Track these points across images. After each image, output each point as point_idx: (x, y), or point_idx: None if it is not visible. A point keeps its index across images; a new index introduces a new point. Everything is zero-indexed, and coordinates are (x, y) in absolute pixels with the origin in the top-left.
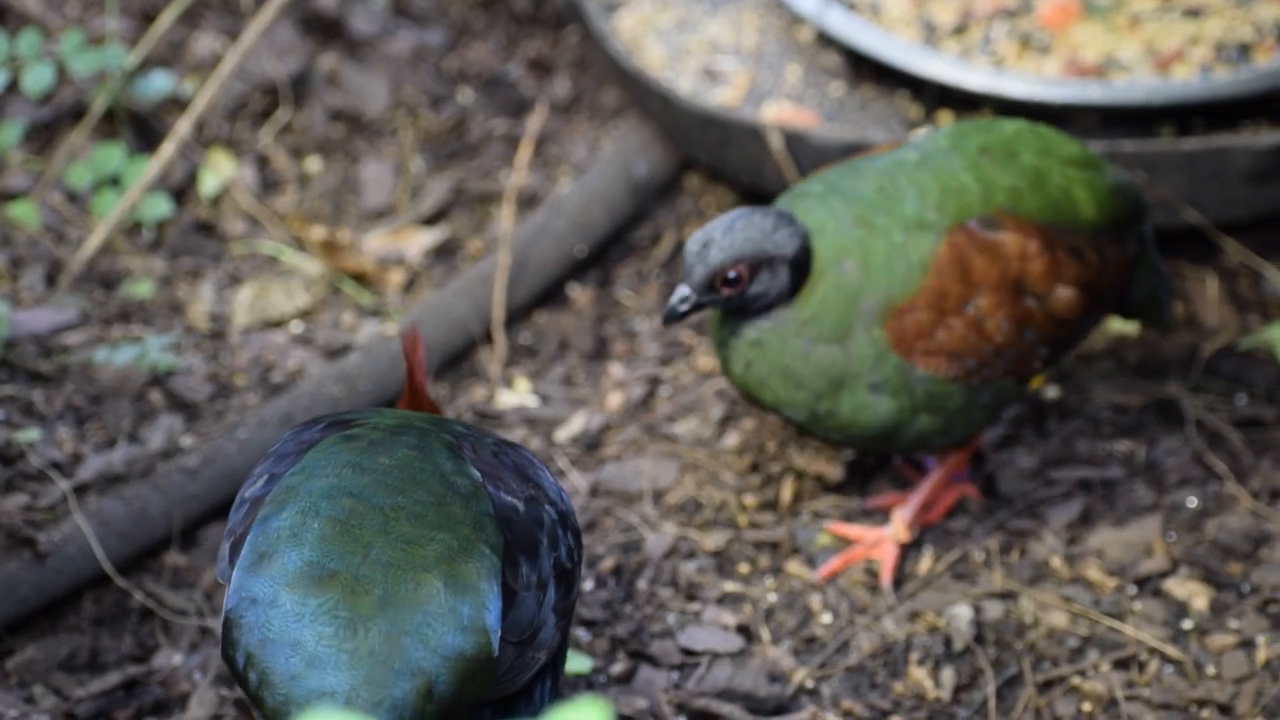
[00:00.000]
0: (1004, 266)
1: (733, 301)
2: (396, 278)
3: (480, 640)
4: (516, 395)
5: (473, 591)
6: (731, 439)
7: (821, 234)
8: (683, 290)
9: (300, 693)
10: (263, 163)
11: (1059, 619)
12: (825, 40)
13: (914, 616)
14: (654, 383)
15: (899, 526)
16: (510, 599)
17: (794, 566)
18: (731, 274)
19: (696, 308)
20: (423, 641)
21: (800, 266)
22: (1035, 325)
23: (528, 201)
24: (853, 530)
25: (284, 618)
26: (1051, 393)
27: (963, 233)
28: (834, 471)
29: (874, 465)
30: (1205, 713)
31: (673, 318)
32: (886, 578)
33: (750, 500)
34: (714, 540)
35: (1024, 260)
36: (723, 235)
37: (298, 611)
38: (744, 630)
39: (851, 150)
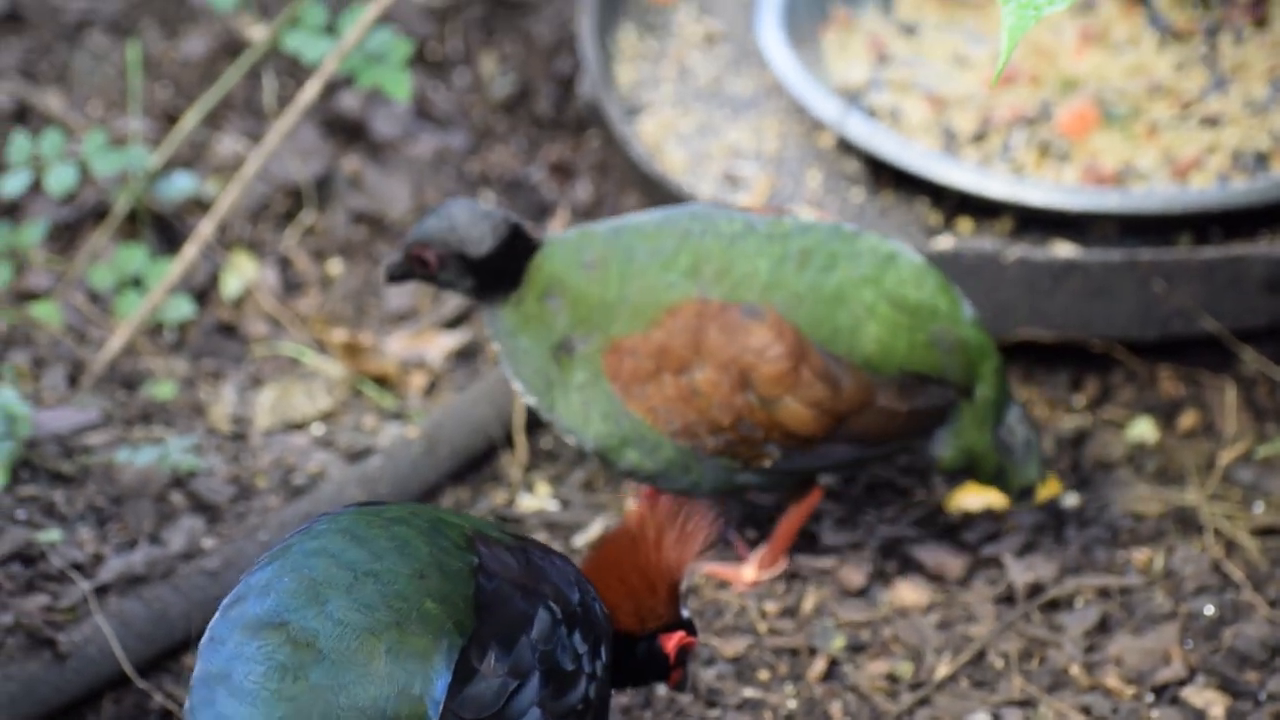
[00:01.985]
0: (736, 352)
1: (430, 280)
2: (418, 381)
3: (413, 707)
4: (537, 499)
5: (417, 659)
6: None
7: (546, 260)
8: (394, 255)
9: (204, 714)
10: (285, 264)
11: None
12: (846, 146)
13: None
14: None
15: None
16: (468, 676)
17: (814, 672)
18: (419, 255)
19: (402, 274)
20: (350, 698)
21: (493, 274)
22: (758, 424)
23: None
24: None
25: (226, 654)
26: (1070, 500)
27: (718, 305)
28: (855, 578)
29: (896, 572)
30: None
31: (386, 278)
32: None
33: (770, 607)
34: (733, 646)
35: (760, 356)
36: (430, 214)
37: (238, 651)
38: None
39: None
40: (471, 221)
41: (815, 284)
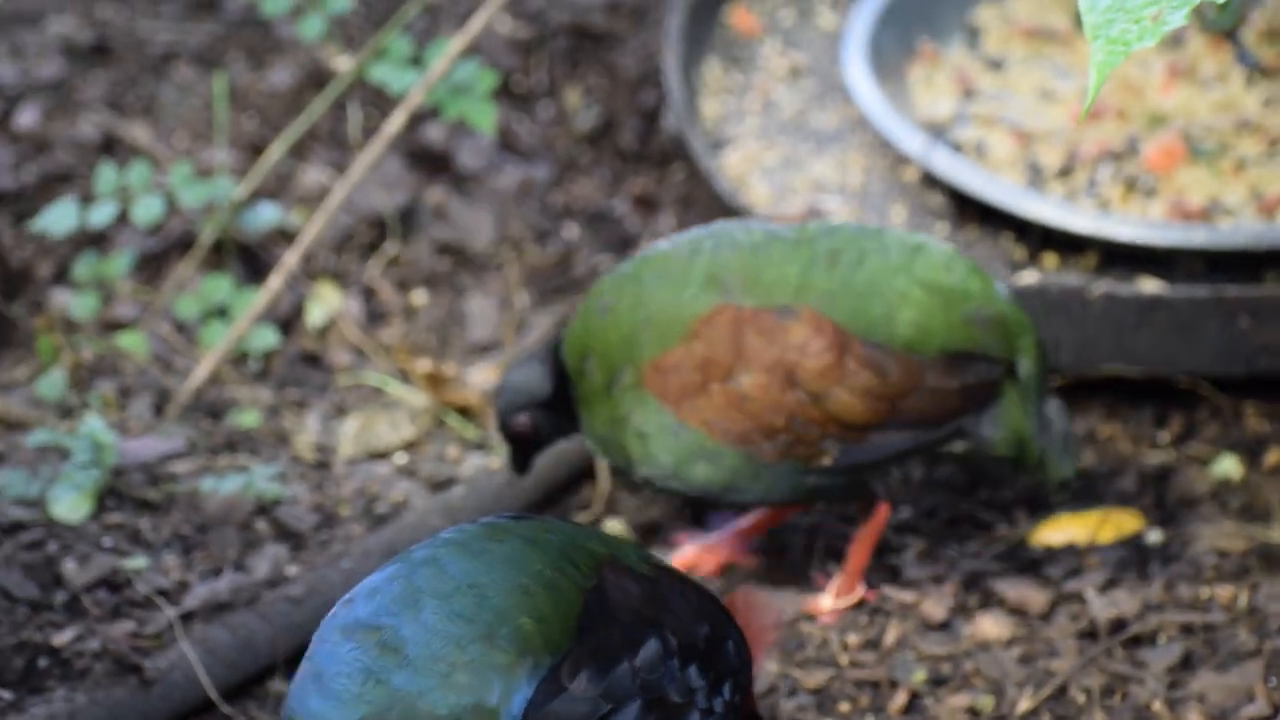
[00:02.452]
0: (779, 353)
1: (538, 448)
2: None
3: (484, 717)
4: (622, 527)
5: (499, 673)
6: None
7: (570, 338)
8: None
9: (300, 711)
10: (369, 295)
11: None
12: (930, 181)
13: None
14: None
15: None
16: (555, 693)
17: (895, 705)
18: (514, 431)
19: (528, 460)
20: (428, 705)
21: (563, 392)
22: (811, 420)
23: None
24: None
25: (323, 654)
26: (1153, 536)
27: (751, 311)
28: (937, 612)
29: (978, 606)
30: None
31: (512, 468)
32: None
33: (852, 639)
34: (815, 678)
35: (802, 353)
36: (499, 398)
37: (333, 651)
38: None
39: None
40: (522, 377)
41: (847, 280)
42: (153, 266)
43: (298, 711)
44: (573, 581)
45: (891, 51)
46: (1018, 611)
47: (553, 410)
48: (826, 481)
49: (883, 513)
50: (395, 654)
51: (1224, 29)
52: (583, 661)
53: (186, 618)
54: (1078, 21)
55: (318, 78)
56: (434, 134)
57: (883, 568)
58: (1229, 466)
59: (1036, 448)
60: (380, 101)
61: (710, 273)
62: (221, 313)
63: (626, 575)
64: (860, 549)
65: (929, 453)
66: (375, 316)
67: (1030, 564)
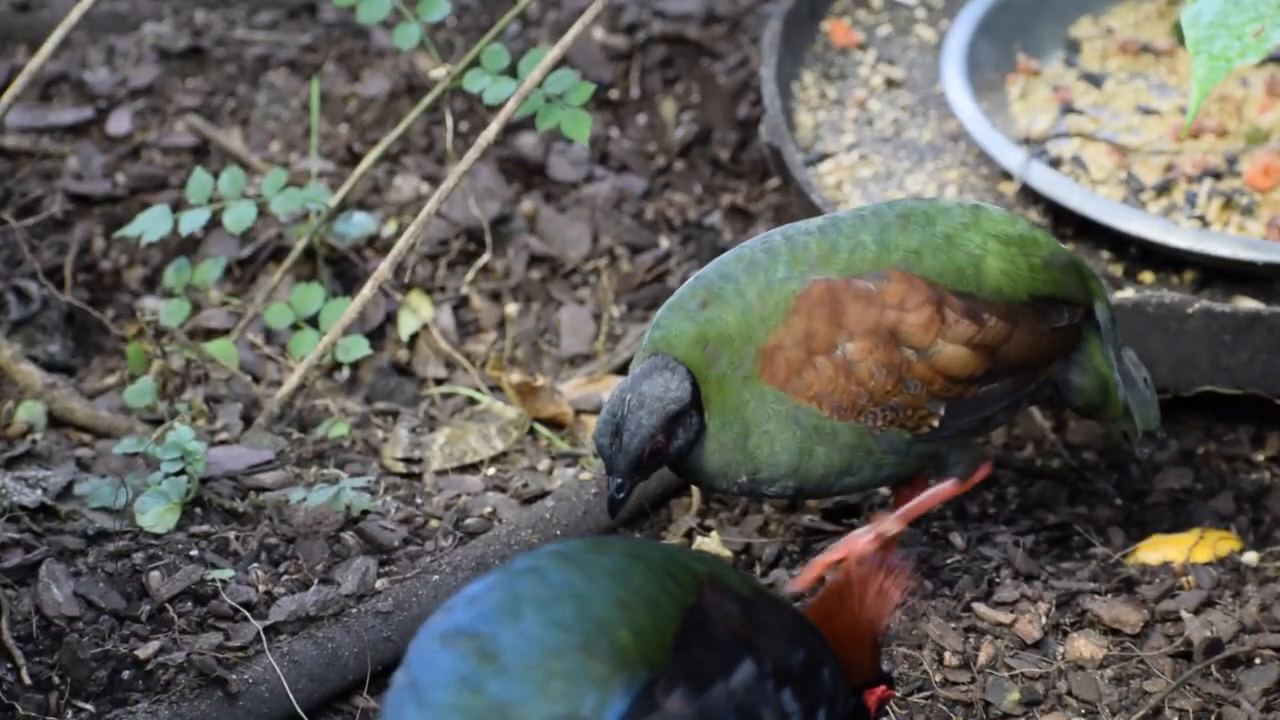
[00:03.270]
0: (878, 315)
1: (666, 463)
2: (592, 424)
3: None
4: (713, 543)
5: (594, 685)
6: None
7: (681, 341)
8: (615, 481)
9: (391, 717)
10: (461, 305)
11: None
12: (1028, 195)
13: None
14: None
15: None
16: (649, 709)
17: None
18: (653, 449)
19: (633, 489)
20: (521, 714)
21: (698, 400)
22: (917, 377)
23: None
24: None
25: (420, 662)
26: (1249, 557)
27: (842, 280)
28: (1032, 631)
29: (1072, 626)
30: None
31: (616, 507)
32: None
33: (947, 658)
34: (909, 697)
35: (901, 310)
36: (631, 418)
37: (430, 659)
38: None
39: None
40: (658, 389)
41: (925, 239)
42: (244, 275)
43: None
44: (672, 598)
45: (989, 65)
46: (1112, 631)
47: (689, 418)
48: (932, 448)
49: (983, 471)
50: (492, 661)
51: None
52: (679, 680)
53: (273, 630)
54: (1178, 37)
55: (413, 87)
56: (528, 144)
57: (977, 586)
58: None
59: (1121, 395)
60: (475, 111)
61: (793, 256)
62: (312, 322)
63: (726, 595)
64: (931, 500)
65: (1022, 406)
66: (467, 327)
67: (1125, 584)
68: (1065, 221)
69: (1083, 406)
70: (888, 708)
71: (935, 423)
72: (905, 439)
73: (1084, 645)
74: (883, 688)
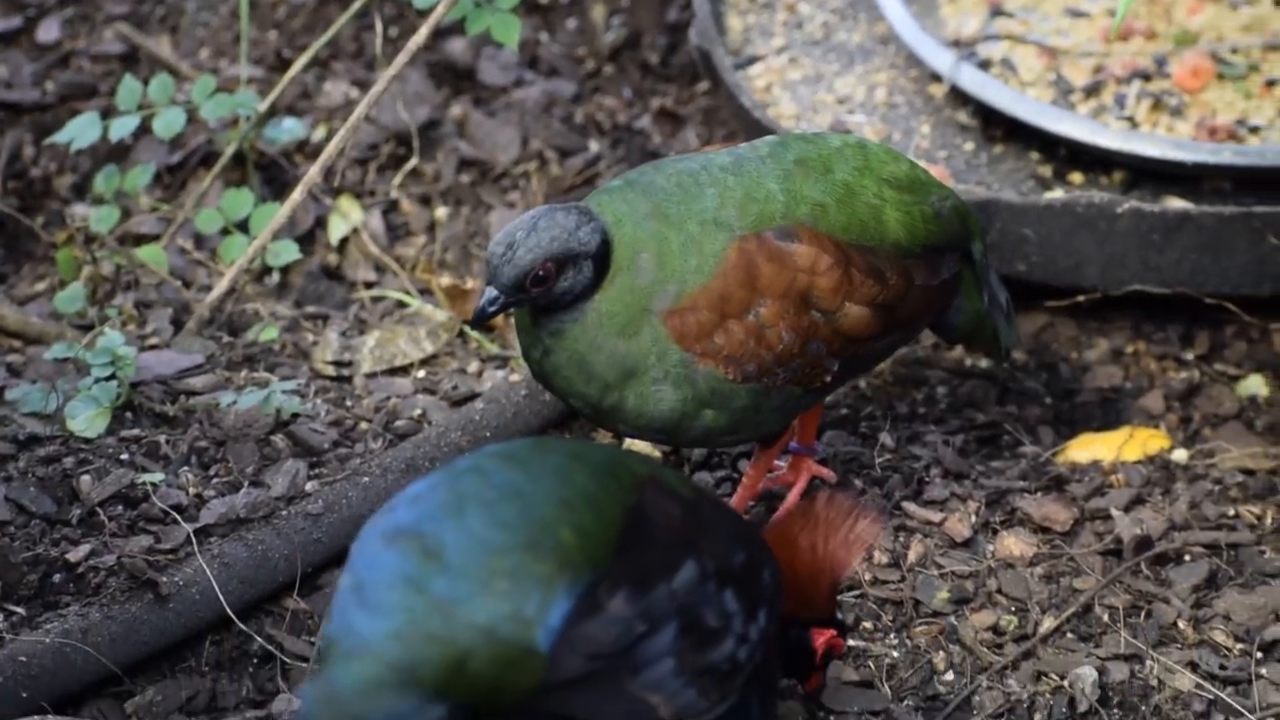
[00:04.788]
0: (791, 278)
1: (540, 300)
2: None
3: (523, 633)
4: (642, 445)
5: (538, 585)
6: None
7: (620, 226)
8: (491, 293)
9: (340, 626)
10: (391, 210)
11: (1185, 682)
12: (958, 97)
13: (1038, 677)
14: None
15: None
16: (592, 611)
17: (918, 624)
18: (540, 273)
19: (505, 308)
20: (465, 613)
21: (602, 260)
22: (822, 339)
23: None
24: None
25: (363, 562)
26: (1179, 455)
27: (755, 239)
28: (961, 530)
29: (1002, 524)
30: None
31: (482, 318)
32: None
33: (875, 558)
34: (839, 597)
35: (813, 274)
36: (527, 235)
37: (373, 559)
38: (867, 687)
39: (983, 208)
40: (571, 223)
41: (827, 189)
42: (173, 181)
43: (337, 627)
44: (614, 499)
45: None
46: (1042, 529)
47: (586, 269)
48: (811, 399)
49: (773, 452)
50: (436, 560)
51: None
52: (621, 581)
53: (203, 533)
54: None
55: None
56: (457, 49)
57: (907, 485)
58: (1255, 385)
59: (990, 326)
60: (404, 17)
61: (721, 194)
62: (242, 227)
63: (667, 496)
64: (750, 485)
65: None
66: (396, 231)
67: (1055, 482)
68: (995, 123)
69: (956, 340)
70: (833, 658)
71: (828, 378)
72: (797, 395)
73: (1014, 543)
74: (832, 633)
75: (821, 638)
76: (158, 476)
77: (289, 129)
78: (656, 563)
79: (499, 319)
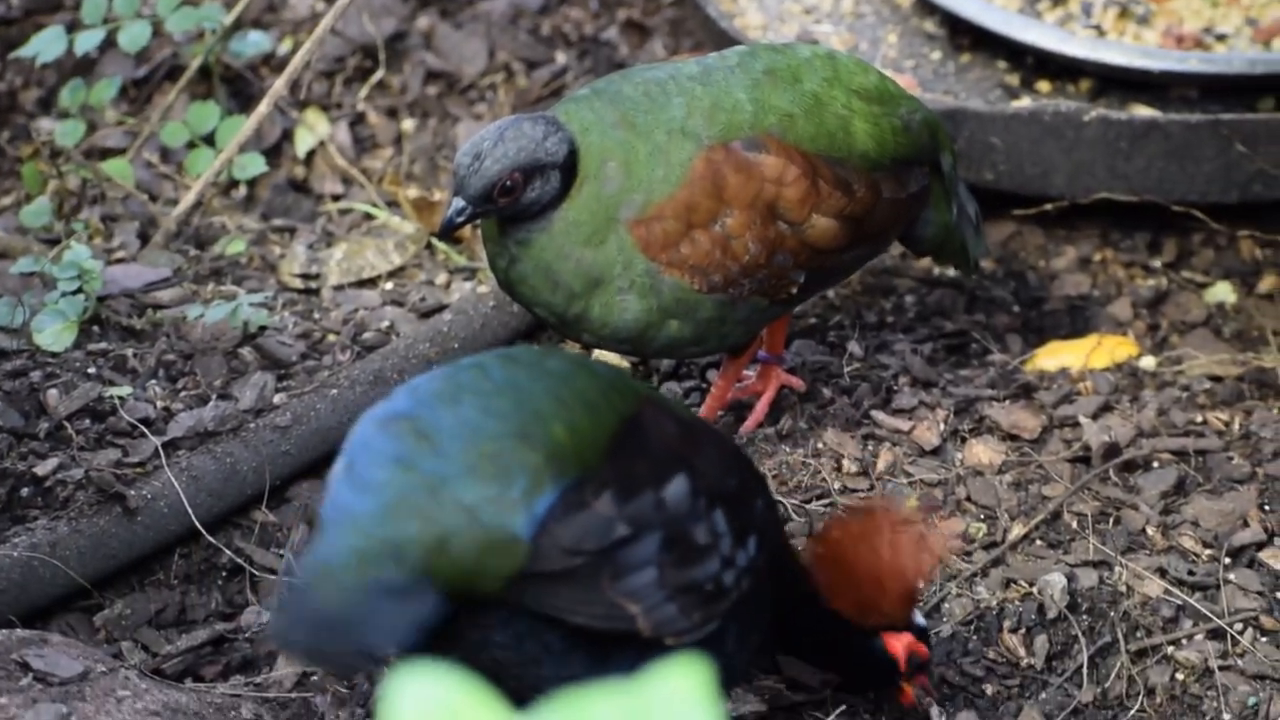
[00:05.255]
0: (758, 188)
1: (507, 210)
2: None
3: (506, 517)
4: (610, 356)
5: (526, 473)
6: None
7: (587, 135)
8: (458, 203)
9: (331, 505)
10: (358, 122)
11: (1153, 588)
12: (924, 6)
13: (1007, 584)
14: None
15: None
16: (578, 507)
17: None
18: (507, 183)
19: (472, 218)
20: (452, 493)
21: (569, 170)
22: (788, 250)
23: None
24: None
25: (356, 445)
26: (1147, 363)
27: (723, 149)
28: (930, 438)
29: (970, 432)
30: None
31: (449, 229)
32: None
33: (845, 466)
34: (807, 506)
35: (780, 185)
36: (494, 146)
37: (366, 441)
38: None
39: (950, 117)
40: (539, 133)
41: (795, 100)
42: (139, 94)
43: (329, 506)
44: (613, 406)
45: None
46: (1011, 437)
47: (553, 179)
48: (777, 312)
49: (741, 361)
50: (427, 441)
51: None
52: (609, 482)
53: (171, 446)
54: None
55: None
56: None
57: (875, 394)
58: (1223, 292)
59: (958, 238)
60: None
61: (688, 104)
62: (208, 140)
63: (666, 414)
64: (719, 397)
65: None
66: (364, 144)
67: (1023, 390)
68: (962, 32)
69: (924, 252)
70: (924, 666)
71: (794, 290)
72: (762, 306)
73: (982, 451)
74: (910, 638)
75: (900, 642)
76: (125, 390)
77: (255, 42)
78: (647, 471)
79: (466, 230)
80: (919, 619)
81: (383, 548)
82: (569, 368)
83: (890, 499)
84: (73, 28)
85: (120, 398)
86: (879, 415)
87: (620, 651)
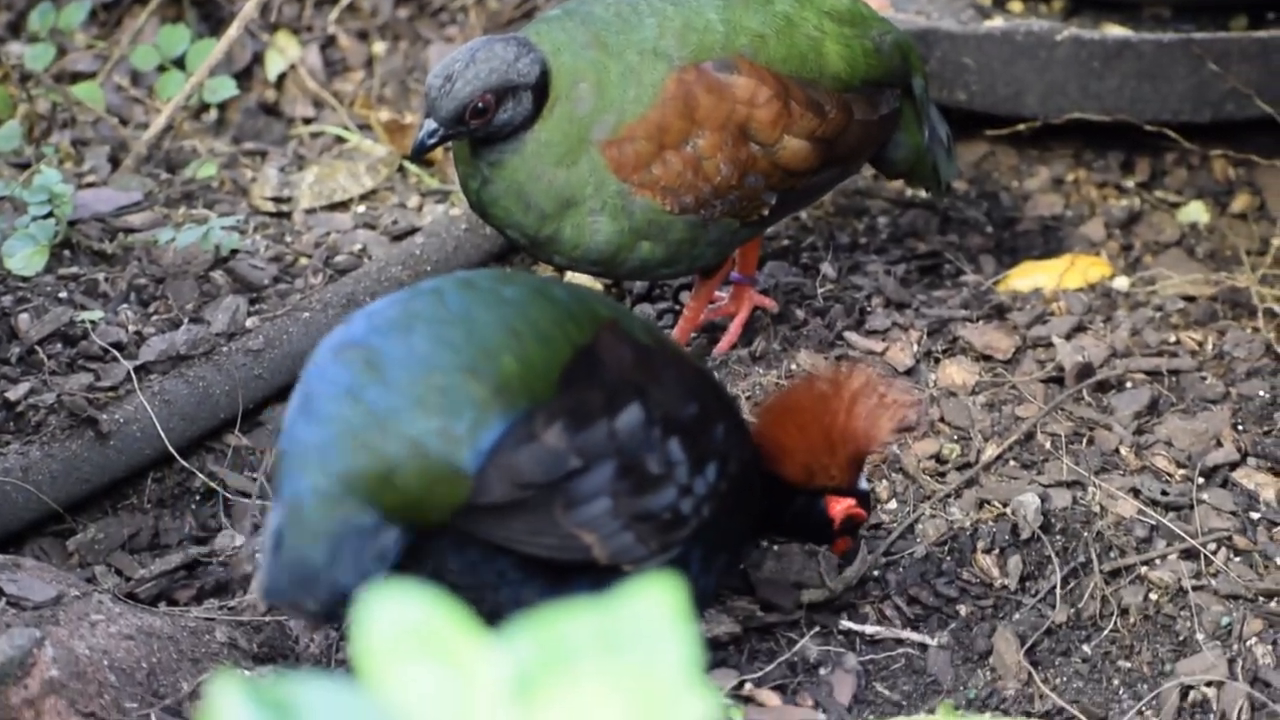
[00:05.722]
0: (730, 109)
1: (479, 132)
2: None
3: (451, 450)
4: (583, 278)
5: (472, 406)
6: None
7: (558, 56)
8: (430, 125)
9: (288, 437)
10: (328, 45)
11: (1126, 508)
12: None
13: (980, 504)
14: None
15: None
16: (525, 439)
17: None
18: (479, 105)
19: (444, 140)
20: (396, 425)
21: (541, 91)
22: (760, 172)
23: None
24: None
25: (313, 374)
26: (1120, 283)
27: (694, 70)
28: (903, 359)
29: (943, 353)
30: (1273, 604)
31: (421, 150)
32: None
33: None
34: None
35: (752, 106)
36: (465, 67)
37: (321, 370)
38: None
39: (922, 38)
40: (510, 54)
41: (766, 21)
42: (109, 18)
43: (286, 439)
44: (567, 335)
45: None
46: (984, 358)
47: (526, 100)
48: (749, 233)
49: (713, 283)
50: (376, 372)
51: None
52: (558, 414)
53: (143, 370)
54: None
55: None
56: None
57: (848, 316)
58: (1196, 212)
59: (929, 161)
60: None
61: (660, 23)
62: (179, 63)
63: (623, 340)
64: (692, 317)
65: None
66: (334, 66)
67: (997, 310)
68: None
69: (895, 174)
70: (857, 527)
71: (766, 211)
72: (734, 228)
73: (956, 371)
74: (852, 503)
75: (839, 505)
76: (97, 314)
77: None
78: (599, 402)
79: (438, 153)
80: (863, 483)
81: (341, 485)
82: (525, 295)
83: (850, 366)
84: None
85: (92, 322)
86: (852, 336)
87: (579, 576)
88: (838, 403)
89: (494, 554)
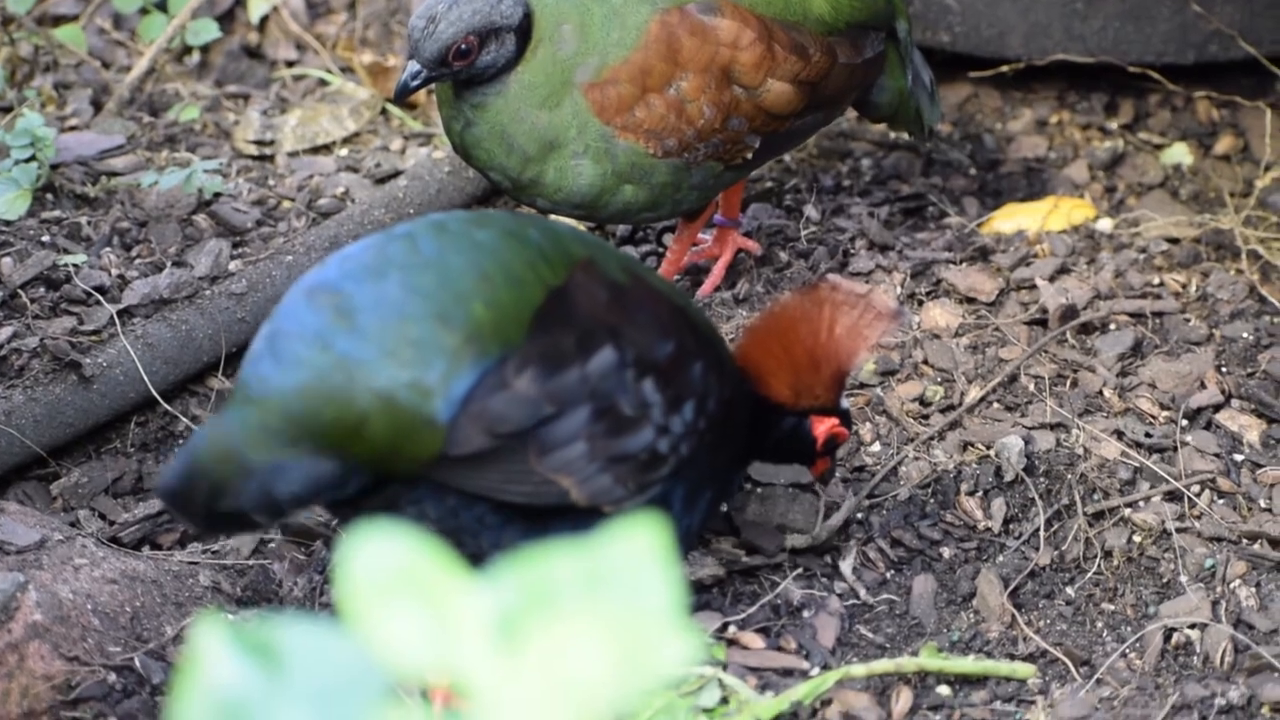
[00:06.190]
0: (713, 52)
1: (462, 74)
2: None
3: (422, 400)
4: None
5: (443, 355)
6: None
7: (541, 3)
8: (413, 67)
9: (250, 371)
10: None
11: (1110, 450)
12: None
13: (964, 447)
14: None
15: None
16: (497, 387)
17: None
18: (462, 46)
19: (427, 82)
20: (366, 375)
21: (524, 32)
22: (743, 115)
23: None
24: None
25: (283, 312)
26: (1104, 225)
27: (678, 12)
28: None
29: (927, 295)
30: (1256, 546)
31: (404, 93)
32: None
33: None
34: None
35: (735, 48)
36: (448, 9)
37: (292, 310)
38: None
39: None
40: None
41: None
42: None
43: (248, 371)
44: (540, 278)
45: None
46: (968, 300)
47: (509, 41)
48: (733, 177)
49: (697, 226)
50: (347, 320)
51: None
52: (530, 360)
53: (126, 314)
54: None
55: None
56: None
57: (832, 258)
58: (1180, 154)
59: (912, 105)
60: None
61: None
62: (161, 6)
63: (597, 280)
64: (676, 258)
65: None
66: (317, 9)
67: (980, 252)
68: None
69: (878, 118)
70: (837, 446)
71: (749, 155)
72: (717, 171)
73: (939, 314)
74: (835, 422)
75: (823, 425)
76: (80, 258)
77: None
78: (571, 345)
79: (421, 95)
80: (844, 402)
81: (292, 428)
82: (497, 237)
83: (832, 283)
84: None
85: (75, 265)
86: (836, 279)
87: (559, 519)
88: (819, 320)
89: (472, 500)
